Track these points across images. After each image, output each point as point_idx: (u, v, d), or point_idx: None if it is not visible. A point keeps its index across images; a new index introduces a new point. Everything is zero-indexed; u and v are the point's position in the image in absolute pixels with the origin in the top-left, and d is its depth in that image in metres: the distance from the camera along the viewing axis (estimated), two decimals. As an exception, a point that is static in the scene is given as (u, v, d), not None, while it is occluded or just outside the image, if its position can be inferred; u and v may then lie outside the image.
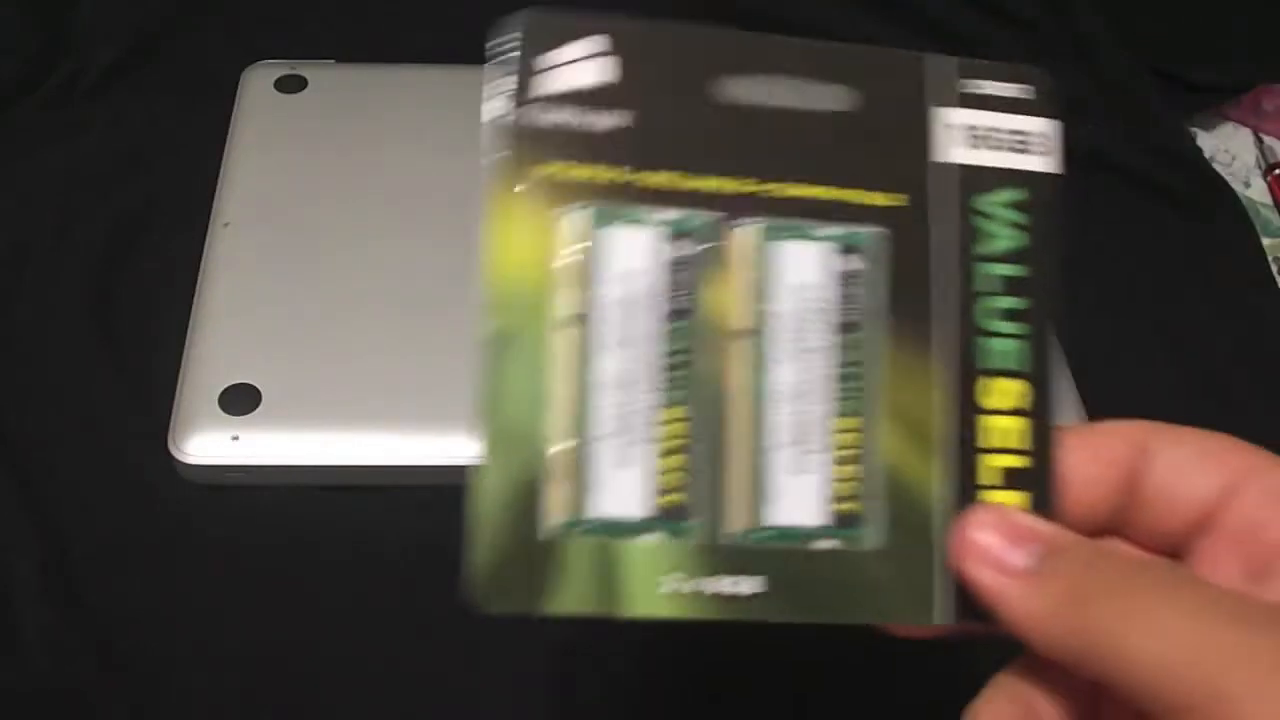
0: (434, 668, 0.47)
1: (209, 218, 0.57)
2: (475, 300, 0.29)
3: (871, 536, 0.29)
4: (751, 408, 0.29)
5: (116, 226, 0.59)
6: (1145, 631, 0.26)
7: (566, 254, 0.28)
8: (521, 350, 0.28)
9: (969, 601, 0.28)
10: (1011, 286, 0.30)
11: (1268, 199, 0.70)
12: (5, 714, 0.45)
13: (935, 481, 0.29)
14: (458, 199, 0.60)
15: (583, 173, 0.29)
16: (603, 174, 0.29)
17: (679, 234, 0.29)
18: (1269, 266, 0.65)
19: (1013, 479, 0.29)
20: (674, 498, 0.28)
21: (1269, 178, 0.71)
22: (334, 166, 0.60)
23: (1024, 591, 0.28)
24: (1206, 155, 0.71)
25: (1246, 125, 0.74)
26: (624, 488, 0.28)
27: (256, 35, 0.67)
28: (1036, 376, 0.30)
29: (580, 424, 0.28)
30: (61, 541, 0.49)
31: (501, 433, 0.27)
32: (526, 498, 0.28)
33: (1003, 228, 0.30)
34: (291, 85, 0.64)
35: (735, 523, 0.28)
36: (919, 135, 0.30)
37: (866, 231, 0.30)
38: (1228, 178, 0.69)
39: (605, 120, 0.29)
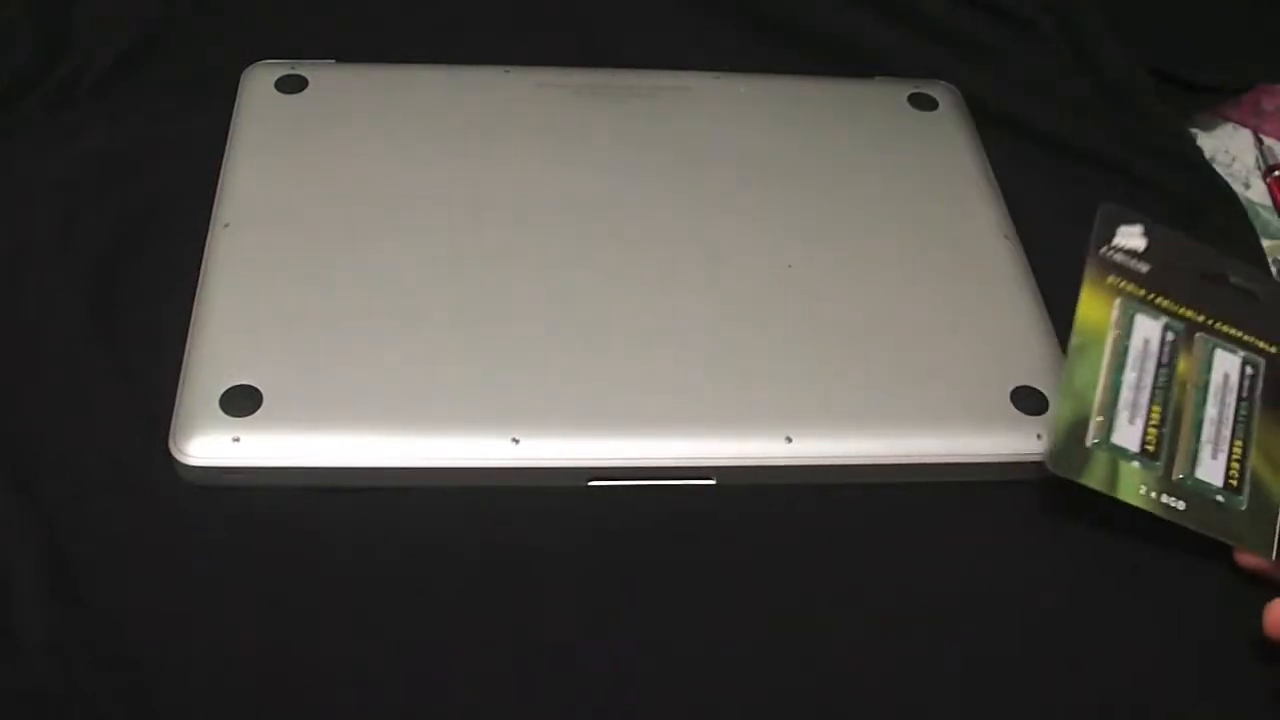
0: (434, 667, 0.47)
1: (209, 218, 0.57)
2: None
3: (1242, 503, 0.52)
4: (1192, 427, 0.53)
5: (116, 226, 0.59)
6: None
7: (1115, 317, 0.55)
8: (1088, 355, 0.54)
9: None
10: None
11: (1267, 200, 0.70)
12: (5, 714, 0.45)
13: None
14: (458, 199, 0.60)
15: (1128, 287, 0.56)
16: (1137, 291, 0.56)
17: (1168, 328, 0.55)
18: (1269, 267, 0.65)
19: None
20: (1151, 447, 0.52)
21: (1269, 179, 0.71)
22: (334, 166, 0.60)
23: None
24: (1206, 156, 0.71)
25: (1246, 126, 0.74)
26: (1129, 435, 0.52)
27: (256, 35, 0.67)
28: None
29: (1112, 397, 0.53)
30: (61, 541, 0.49)
31: (1074, 390, 0.53)
32: (1081, 424, 0.52)
33: None
34: (291, 85, 0.64)
35: (1179, 471, 0.52)
36: None
37: (1259, 358, 0.56)
38: (1228, 178, 0.69)
39: (1141, 267, 0.56)
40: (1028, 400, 0.54)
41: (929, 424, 0.54)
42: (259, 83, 0.64)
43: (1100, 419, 0.52)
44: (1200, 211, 0.67)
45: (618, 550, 0.51)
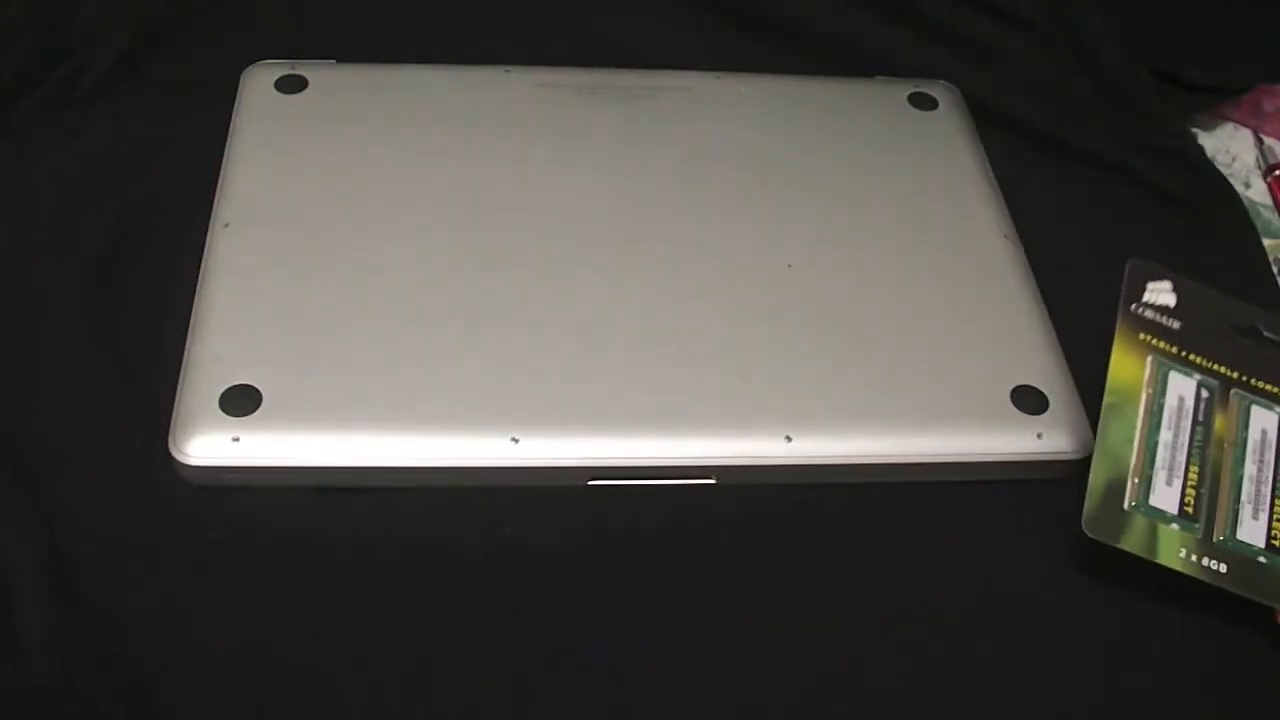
0: (434, 667, 0.47)
1: (209, 218, 0.57)
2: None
3: None
4: (1231, 487, 0.52)
5: (116, 227, 0.59)
6: None
7: (1147, 376, 0.54)
8: (1122, 414, 0.52)
9: None
10: None
11: (1268, 200, 0.70)
12: (6, 714, 0.45)
13: None
14: (458, 199, 0.60)
15: (1160, 344, 0.55)
16: (1169, 348, 0.55)
17: (1203, 385, 0.54)
18: (1269, 267, 0.66)
19: None
20: (1189, 508, 0.51)
21: (1269, 179, 0.71)
22: (334, 166, 0.60)
23: None
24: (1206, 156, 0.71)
25: (1246, 126, 0.74)
26: (1167, 496, 0.51)
27: (256, 35, 0.67)
28: None
29: (1148, 458, 0.52)
30: (61, 541, 0.49)
31: (1109, 450, 0.51)
32: (1118, 486, 0.51)
33: None
34: (291, 85, 0.64)
35: (1219, 532, 0.51)
36: None
37: None
38: (1228, 178, 0.69)
39: (1172, 324, 0.55)
40: (1027, 400, 0.54)
41: (929, 424, 0.54)
42: (259, 83, 0.64)
43: (1137, 480, 0.51)
44: (1201, 211, 0.67)
45: (618, 550, 0.51)
